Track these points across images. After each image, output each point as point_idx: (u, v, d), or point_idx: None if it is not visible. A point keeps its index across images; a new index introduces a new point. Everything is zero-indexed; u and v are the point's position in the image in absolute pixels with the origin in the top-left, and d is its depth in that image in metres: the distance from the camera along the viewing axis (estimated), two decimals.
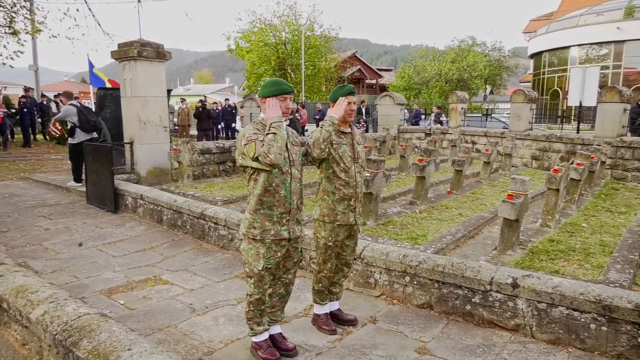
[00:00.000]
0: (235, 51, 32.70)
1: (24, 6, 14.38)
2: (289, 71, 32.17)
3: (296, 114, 18.77)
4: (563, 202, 7.08)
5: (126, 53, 8.06)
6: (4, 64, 15.07)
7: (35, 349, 2.93)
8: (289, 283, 3.16)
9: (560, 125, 15.74)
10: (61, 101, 17.53)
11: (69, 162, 9.08)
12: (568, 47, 25.78)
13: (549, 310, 3.35)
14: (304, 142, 3.20)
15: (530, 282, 3.43)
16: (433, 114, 18.81)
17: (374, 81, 45.74)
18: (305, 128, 18.78)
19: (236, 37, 32.18)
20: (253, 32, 31.73)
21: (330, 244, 3.37)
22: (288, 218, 2.95)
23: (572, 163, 7.15)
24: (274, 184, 2.87)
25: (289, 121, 19.77)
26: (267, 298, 3.02)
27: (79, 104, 8.42)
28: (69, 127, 8.34)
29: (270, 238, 2.89)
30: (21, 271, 3.58)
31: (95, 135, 8.48)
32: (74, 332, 2.57)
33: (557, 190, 6.05)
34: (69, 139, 8.40)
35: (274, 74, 30.80)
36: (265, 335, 3.10)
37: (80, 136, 8.20)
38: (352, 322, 3.62)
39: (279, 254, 2.94)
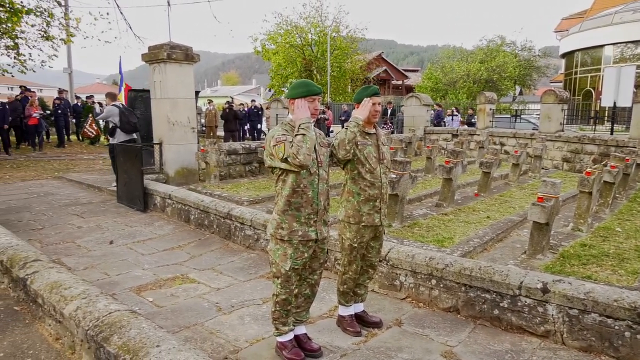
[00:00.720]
0: (262, 53, 32.99)
1: (49, 14, 14.80)
2: (315, 72, 32.25)
3: (322, 115, 18.80)
4: (596, 205, 6.87)
5: (156, 56, 8.23)
6: (42, 66, 15.60)
7: (68, 343, 3.01)
8: (314, 284, 3.17)
9: (593, 127, 15.27)
10: (97, 102, 18.06)
11: (101, 162, 9.29)
12: (602, 46, 25.00)
13: (580, 316, 3.25)
14: (329, 143, 3.21)
15: (561, 287, 3.34)
16: (466, 115, 18.54)
17: (400, 82, 45.40)
18: (331, 129, 18.80)
19: (262, 39, 32.48)
20: (279, 33, 31.95)
21: (356, 245, 3.36)
22: (315, 219, 2.95)
23: (605, 165, 6.93)
24: (302, 185, 2.88)
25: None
26: (293, 298, 3.03)
27: (121, 105, 8.60)
28: (110, 128, 8.43)
29: (297, 239, 2.91)
30: (55, 267, 3.69)
31: (135, 136, 8.61)
32: (105, 328, 2.63)
33: (590, 193, 5.87)
34: (110, 139, 8.49)
35: (300, 75, 30.93)
36: (290, 336, 3.11)
37: (120, 137, 8.33)
38: (377, 324, 3.60)
39: (305, 255, 2.95)
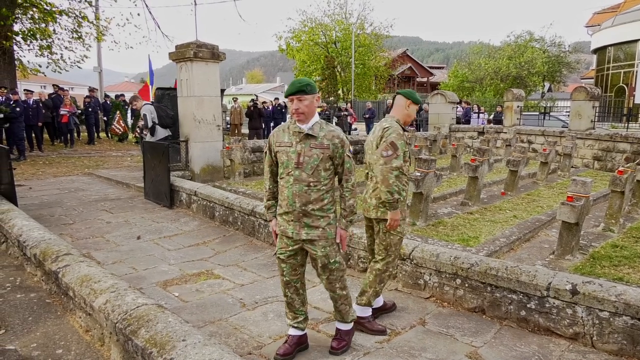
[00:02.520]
0: (286, 51, 33.11)
1: (82, 16, 15.18)
2: (339, 69, 32.18)
3: (344, 112, 18.76)
4: (628, 205, 6.67)
5: (183, 54, 8.35)
6: (79, 66, 16.02)
7: (97, 335, 3.09)
8: (327, 289, 3.12)
9: (626, 124, 14.79)
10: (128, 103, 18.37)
11: (129, 159, 9.43)
12: (635, 41, 24.19)
13: (611, 319, 3.16)
14: (333, 146, 2.92)
15: (591, 288, 3.26)
16: (494, 112, 18.24)
17: (425, 79, 44.93)
18: (354, 127, 18.73)
19: (287, 37, 32.59)
20: (304, 31, 32.01)
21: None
22: (291, 219, 2.95)
23: (638, 164, 6.71)
24: (282, 182, 2.99)
25: (336, 119, 19.85)
26: (287, 290, 3.08)
27: (151, 103, 8.70)
28: (149, 126, 8.44)
29: (280, 229, 3.03)
30: (85, 261, 3.79)
31: (169, 132, 8.70)
32: (133, 321, 2.69)
33: (622, 192, 5.71)
34: (148, 137, 8.53)
35: (323, 72, 30.90)
36: (292, 332, 3.12)
37: (160, 133, 8.45)
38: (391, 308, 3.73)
39: (290, 248, 2.99)
